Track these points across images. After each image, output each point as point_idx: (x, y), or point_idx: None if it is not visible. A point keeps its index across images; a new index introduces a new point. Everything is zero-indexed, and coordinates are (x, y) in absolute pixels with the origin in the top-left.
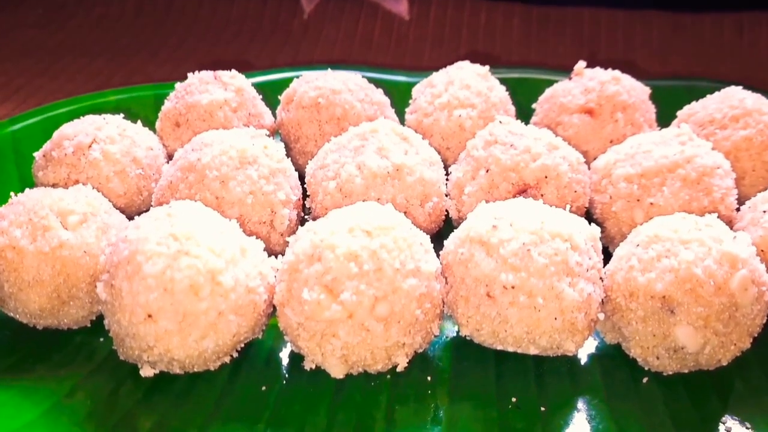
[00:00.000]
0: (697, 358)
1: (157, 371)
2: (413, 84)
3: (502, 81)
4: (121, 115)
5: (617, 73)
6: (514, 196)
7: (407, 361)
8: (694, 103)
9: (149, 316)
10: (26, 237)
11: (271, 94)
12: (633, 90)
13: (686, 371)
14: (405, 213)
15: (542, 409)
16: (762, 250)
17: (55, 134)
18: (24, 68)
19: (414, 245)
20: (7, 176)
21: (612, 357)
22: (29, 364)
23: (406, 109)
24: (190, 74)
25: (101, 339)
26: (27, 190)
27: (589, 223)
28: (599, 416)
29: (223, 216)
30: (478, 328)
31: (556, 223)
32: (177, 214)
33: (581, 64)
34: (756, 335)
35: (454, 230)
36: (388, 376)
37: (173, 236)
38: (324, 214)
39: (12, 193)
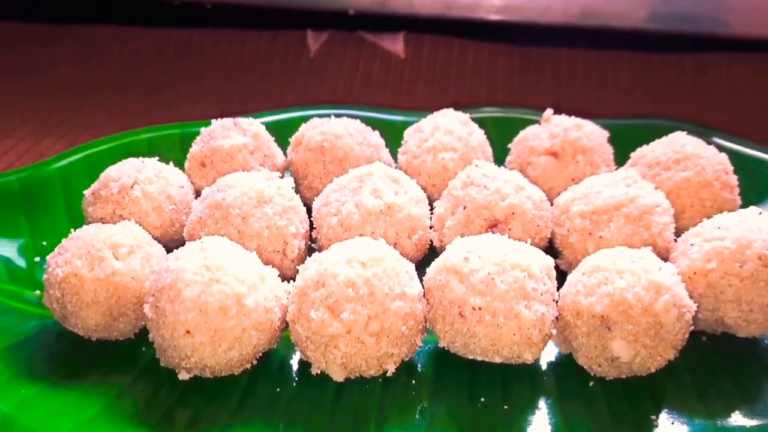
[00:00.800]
0: (630, 366)
1: (191, 375)
2: (408, 123)
3: (485, 120)
4: (156, 158)
5: (579, 120)
6: (487, 230)
7: (395, 367)
8: (645, 146)
9: (187, 332)
10: (85, 266)
11: (281, 132)
12: (592, 135)
13: (624, 377)
14: (395, 244)
15: (505, 407)
16: (689, 277)
17: (102, 176)
18: (63, 103)
19: (401, 273)
20: (56, 207)
21: (565, 365)
22: (84, 371)
23: (399, 150)
24: (213, 121)
25: (143, 348)
26: (84, 226)
27: (552, 253)
28: (552, 413)
29: (245, 247)
30: (453, 341)
31: (516, 256)
32: (208, 248)
33: (549, 111)
34: (680, 347)
35: (436, 259)
36: (380, 380)
37: (206, 267)
38: (327, 245)
39: (72, 230)
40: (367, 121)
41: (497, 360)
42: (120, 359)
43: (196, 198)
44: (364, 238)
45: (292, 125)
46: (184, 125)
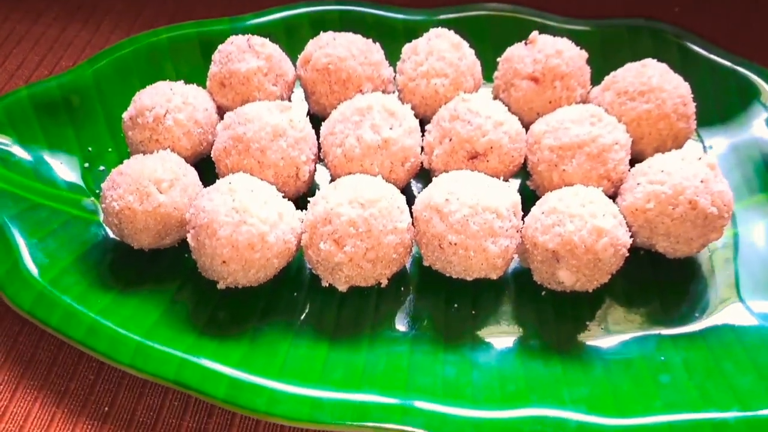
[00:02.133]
0: (572, 287)
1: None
2: (408, 22)
3: (482, 19)
4: (182, 82)
5: (561, 44)
6: (469, 160)
7: (388, 281)
8: (618, 71)
9: (223, 262)
10: (136, 201)
11: (290, 30)
12: (571, 60)
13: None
14: (390, 171)
15: (473, 312)
16: (631, 212)
17: (137, 103)
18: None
19: (393, 211)
20: (94, 113)
21: (525, 276)
22: (141, 278)
23: (397, 66)
24: (228, 45)
25: (186, 255)
26: (130, 161)
27: (525, 171)
28: (510, 316)
29: (263, 174)
30: (434, 263)
31: (487, 199)
32: (236, 188)
33: (534, 34)
34: (614, 273)
35: (424, 191)
36: (376, 289)
37: (235, 209)
38: (333, 169)
39: (123, 164)
40: (368, 21)
41: (469, 278)
42: (168, 267)
43: (218, 113)
44: (364, 176)
45: (301, 22)
46: (199, 23)
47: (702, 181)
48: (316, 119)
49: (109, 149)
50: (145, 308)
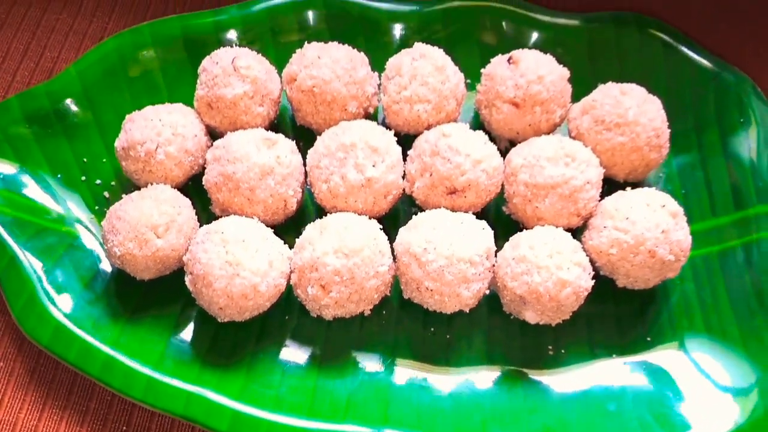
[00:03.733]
0: (537, 323)
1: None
2: (396, 14)
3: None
4: (170, 110)
5: (543, 67)
6: (448, 194)
7: (371, 311)
8: (599, 92)
9: (220, 308)
10: (136, 247)
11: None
12: (552, 84)
13: None
14: (373, 204)
15: (447, 336)
16: (595, 252)
17: (128, 135)
18: None
19: (375, 257)
20: (85, 119)
21: (495, 303)
22: (145, 305)
23: (382, 80)
24: (214, 65)
25: (185, 279)
26: (128, 204)
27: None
28: (480, 340)
29: (253, 209)
30: (412, 298)
31: (462, 250)
32: (228, 239)
33: (518, 54)
34: (573, 312)
35: (405, 232)
36: (360, 317)
37: (228, 263)
38: (320, 202)
39: (120, 206)
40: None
41: (445, 311)
42: (169, 289)
43: (207, 134)
44: (349, 219)
45: (286, 13)
46: (183, 18)
47: (663, 232)
48: (303, 131)
49: (104, 159)
50: (152, 337)
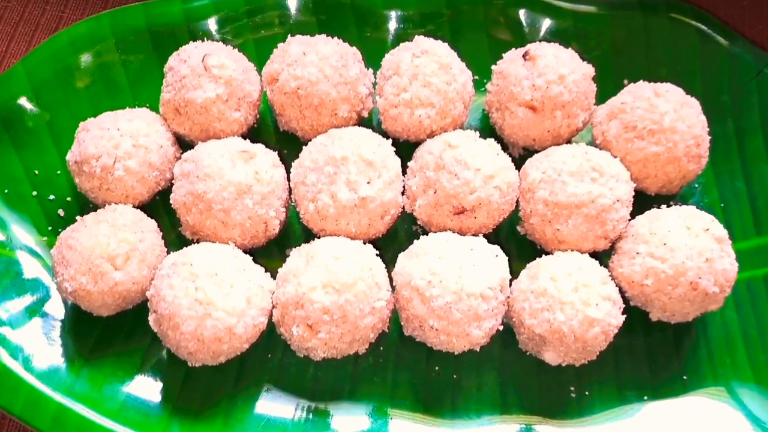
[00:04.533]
0: (558, 364)
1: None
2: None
3: None
4: (130, 115)
5: (564, 65)
6: (455, 215)
7: (366, 349)
8: (627, 93)
9: (190, 353)
10: (90, 282)
11: None
12: (575, 85)
13: None
14: (368, 226)
15: (455, 376)
16: (627, 282)
17: (81, 148)
18: None
19: (370, 292)
20: (36, 125)
21: (509, 337)
22: (106, 342)
23: (377, 80)
24: (181, 64)
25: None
26: (81, 231)
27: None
28: (492, 382)
29: (228, 233)
30: (414, 336)
31: (472, 283)
32: (198, 273)
33: (535, 49)
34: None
35: (405, 260)
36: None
37: (198, 301)
38: (306, 223)
39: (72, 231)
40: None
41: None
42: (132, 325)
43: (176, 143)
44: (339, 246)
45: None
46: (147, 5)
47: (706, 261)
48: (286, 137)
49: (58, 172)
50: (113, 382)
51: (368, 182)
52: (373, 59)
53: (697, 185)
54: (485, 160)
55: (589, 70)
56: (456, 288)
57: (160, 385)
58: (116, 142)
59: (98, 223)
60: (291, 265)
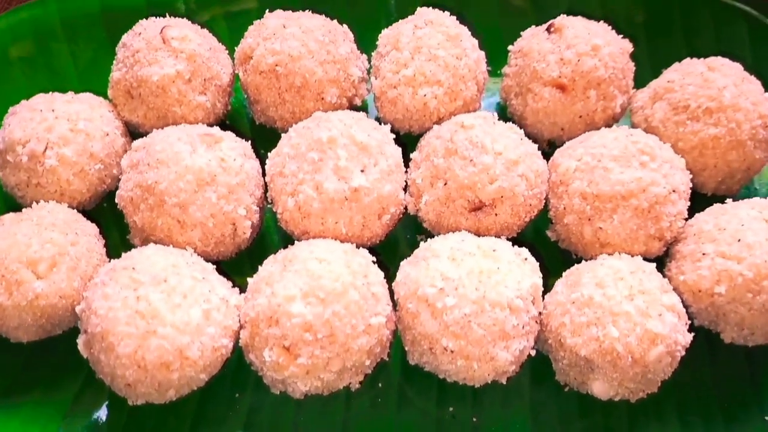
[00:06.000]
0: (610, 399)
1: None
2: None
3: None
4: (69, 94)
5: (598, 35)
6: (470, 212)
7: (360, 383)
8: (674, 71)
9: (128, 384)
10: (3, 294)
11: None
12: (612, 59)
13: None
14: (362, 227)
15: (474, 419)
16: (692, 291)
17: (6, 136)
18: None
19: (365, 304)
20: None
21: (542, 368)
22: (27, 383)
23: (373, 59)
24: (136, 38)
25: None
26: None
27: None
28: (522, 425)
29: (185, 237)
30: (422, 364)
31: (497, 291)
32: (141, 279)
33: (561, 20)
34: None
35: (408, 267)
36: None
37: (140, 314)
38: (284, 225)
39: None
40: None
41: (469, 385)
42: (64, 359)
43: (127, 135)
44: (324, 247)
45: None
46: None
47: None
48: (264, 131)
49: None
50: (30, 430)
51: (362, 170)
52: (367, 44)
53: (758, 187)
54: (507, 143)
55: (627, 45)
56: (476, 296)
57: None
58: (49, 125)
59: (19, 222)
60: (263, 272)
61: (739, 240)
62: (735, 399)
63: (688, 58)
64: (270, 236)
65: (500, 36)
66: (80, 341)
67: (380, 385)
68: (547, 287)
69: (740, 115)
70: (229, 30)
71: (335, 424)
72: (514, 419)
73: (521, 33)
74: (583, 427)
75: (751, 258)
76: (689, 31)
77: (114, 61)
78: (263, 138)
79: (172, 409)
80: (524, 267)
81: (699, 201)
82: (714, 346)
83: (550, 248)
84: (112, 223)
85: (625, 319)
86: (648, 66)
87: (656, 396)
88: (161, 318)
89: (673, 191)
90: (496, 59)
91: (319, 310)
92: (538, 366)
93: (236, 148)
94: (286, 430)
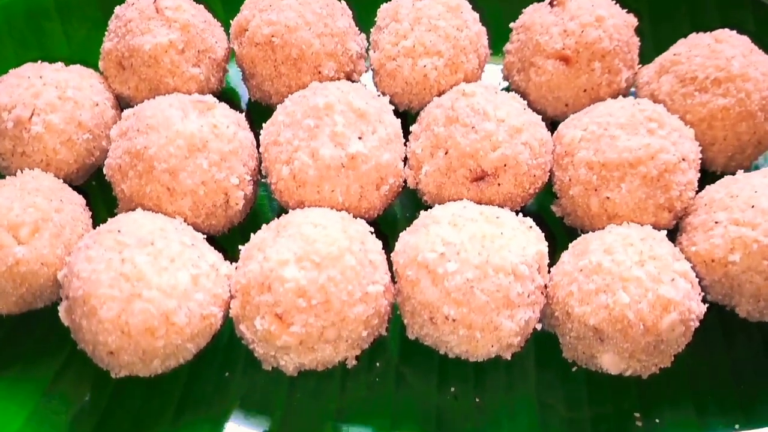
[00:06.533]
0: (620, 373)
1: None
2: None
3: None
4: (59, 64)
5: (602, 7)
6: (472, 182)
7: (356, 359)
8: (681, 45)
9: (111, 352)
10: None
11: None
12: (616, 31)
13: None
14: (359, 197)
15: (477, 400)
16: (704, 262)
17: None
18: None
19: (362, 270)
20: None
21: (548, 346)
22: (5, 358)
23: (371, 34)
24: (128, 8)
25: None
26: None
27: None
28: (527, 406)
29: (175, 206)
30: (422, 338)
31: (501, 255)
32: (126, 241)
33: None
34: (679, 352)
35: (408, 236)
36: (340, 366)
37: (124, 277)
38: (279, 195)
39: None
40: None
41: (471, 359)
42: (45, 335)
43: (117, 107)
44: (320, 213)
45: None
46: None
47: None
48: (259, 110)
49: None
50: (9, 408)
51: (359, 137)
52: (366, 22)
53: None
54: (510, 111)
55: (632, 19)
56: (479, 261)
57: (70, 417)
58: (36, 91)
59: (2, 186)
60: (256, 239)
61: (753, 206)
62: (750, 376)
63: (694, 33)
64: (265, 215)
65: (501, 17)
66: (61, 308)
67: (377, 364)
68: (553, 263)
69: (750, 85)
70: (225, 10)
71: (329, 406)
72: (520, 400)
73: (523, 10)
74: (592, 409)
75: (766, 224)
76: (694, 12)
77: (106, 33)
78: (260, 116)
79: (157, 388)
80: (529, 234)
81: (708, 180)
82: (729, 330)
83: (555, 225)
84: (100, 201)
85: (635, 285)
86: (652, 47)
87: (670, 381)
88: (147, 281)
89: (683, 159)
90: (497, 45)
91: (314, 275)
92: (544, 346)
93: (230, 116)
94: (278, 414)
